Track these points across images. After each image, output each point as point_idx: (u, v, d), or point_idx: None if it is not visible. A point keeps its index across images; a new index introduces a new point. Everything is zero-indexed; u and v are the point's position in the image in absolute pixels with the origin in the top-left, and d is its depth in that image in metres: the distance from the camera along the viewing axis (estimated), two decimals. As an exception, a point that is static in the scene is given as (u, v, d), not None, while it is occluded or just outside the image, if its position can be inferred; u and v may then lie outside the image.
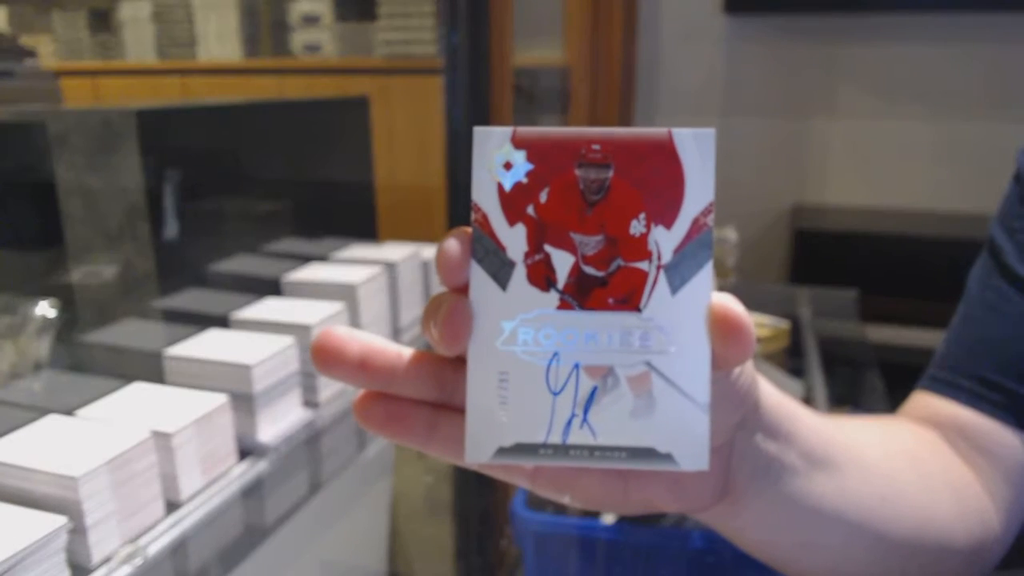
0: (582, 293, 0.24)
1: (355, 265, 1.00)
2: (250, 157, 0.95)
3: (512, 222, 0.24)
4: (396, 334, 1.03)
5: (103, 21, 3.00)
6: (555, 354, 0.24)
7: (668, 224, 0.24)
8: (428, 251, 1.09)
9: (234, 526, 0.68)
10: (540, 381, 0.24)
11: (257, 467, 0.74)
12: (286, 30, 2.70)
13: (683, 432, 0.24)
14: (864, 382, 0.94)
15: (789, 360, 0.97)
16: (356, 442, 0.83)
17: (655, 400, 0.24)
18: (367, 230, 1.21)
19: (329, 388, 0.85)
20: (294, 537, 0.69)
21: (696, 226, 0.24)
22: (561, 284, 0.24)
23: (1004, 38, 2.12)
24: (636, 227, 0.24)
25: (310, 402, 0.83)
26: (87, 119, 0.76)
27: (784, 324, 0.99)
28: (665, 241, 0.24)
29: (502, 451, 0.24)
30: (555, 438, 0.24)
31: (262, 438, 0.75)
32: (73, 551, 0.55)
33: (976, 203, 2.16)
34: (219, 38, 2.80)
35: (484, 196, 0.24)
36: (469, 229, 0.24)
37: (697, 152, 0.23)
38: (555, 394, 0.24)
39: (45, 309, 0.79)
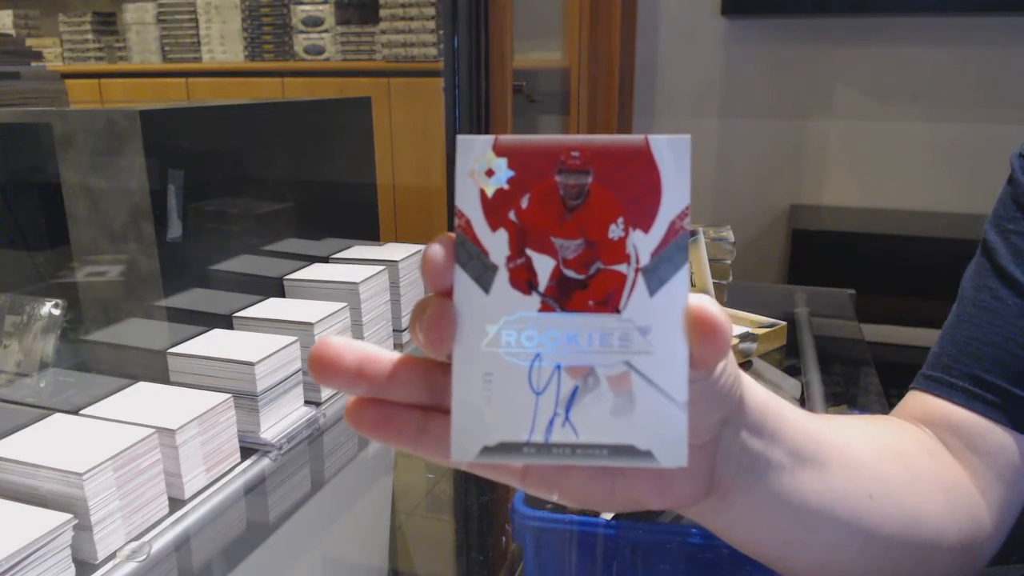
0: (563, 296, 0.25)
1: (356, 265, 1.01)
2: (253, 158, 0.95)
3: (494, 227, 0.24)
4: (397, 333, 1.04)
5: (108, 24, 3.01)
6: (537, 355, 0.24)
7: (646, 228, 0.24)
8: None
9: (237, 523, 0.69)
10: (523, 381, 0.25)
11: (260, 464, 0.74)
12: (288, 33, 2.71)
13: (662, 429, 0.24)
14: (860, 381, 0.94)
15: (786, 359, 0.98)
16: (358, 440, 0.84)
17: (634, 399, 0.24)
18: (369, 230, 1.22)
19: (331, 387, 0.86)
20: (296, 534, 0.69)
21: (673, 229, 0.24)
22: (542, 287, 0.25)
23: (999, 41, 2.11)
24: (615, 231, 0.24)
25: (312, 400, 0.84)
26: (92, 120, 0.77)
27: (781, 323, 1.00)
28: (643, 244, 0.24)
29: (487, 450, 0.25)
30: (538, 437, 0.25)
31: (265, 436, 0.76)
32: (78, 547, 0.56)
33: (970, 204, 2.16)
34: (222, 40, 2.81)
35: (467, 202, 0.24)
36: (453, 234, 0.25)
37: (673, 158, 0.24)
38: (538, 394, 0.25)
39: (50, 308, 0.80)
